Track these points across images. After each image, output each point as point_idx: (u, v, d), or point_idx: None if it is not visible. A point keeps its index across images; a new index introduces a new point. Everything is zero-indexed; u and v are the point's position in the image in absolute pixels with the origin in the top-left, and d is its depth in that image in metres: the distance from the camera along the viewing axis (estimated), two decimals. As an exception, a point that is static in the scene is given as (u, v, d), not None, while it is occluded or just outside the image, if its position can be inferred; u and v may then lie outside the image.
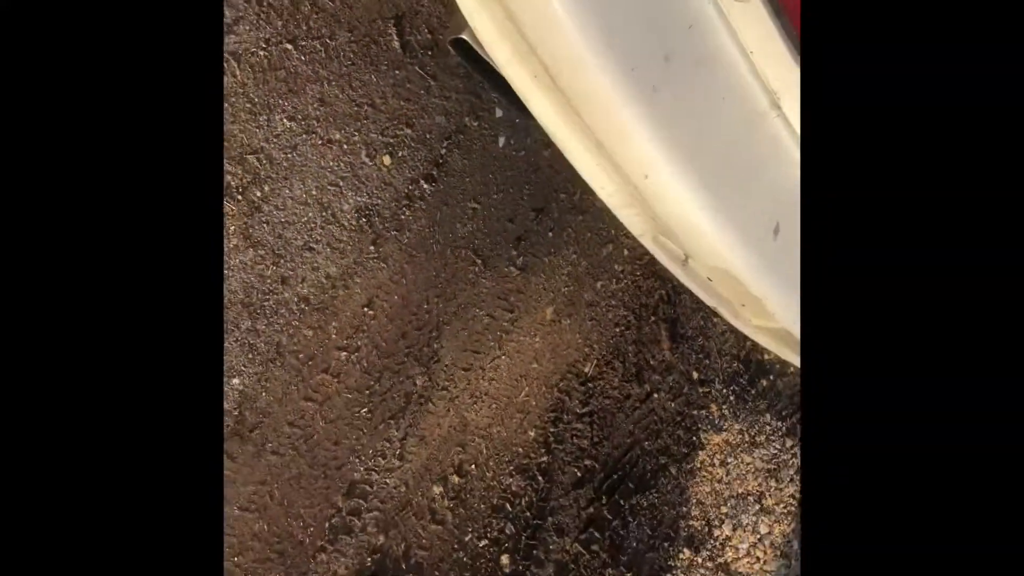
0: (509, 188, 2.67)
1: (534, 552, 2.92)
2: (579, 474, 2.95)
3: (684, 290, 2.74)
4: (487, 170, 2.65)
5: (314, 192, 2.56)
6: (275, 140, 2.50)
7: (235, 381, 2.64)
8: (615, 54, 1.28)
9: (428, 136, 2.61)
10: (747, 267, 1.63)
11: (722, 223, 1.51)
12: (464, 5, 1.45)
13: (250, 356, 2.58)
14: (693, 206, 1.49)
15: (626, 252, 2.76)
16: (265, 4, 2.43)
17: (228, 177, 2.44)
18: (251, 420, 2.57)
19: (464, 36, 1.67)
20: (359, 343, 2.69)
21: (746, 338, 2.71)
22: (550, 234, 2.70)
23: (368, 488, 2.75)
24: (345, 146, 2.56)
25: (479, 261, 2.70)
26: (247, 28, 2.39)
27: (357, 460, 2.74)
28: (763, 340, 2.00)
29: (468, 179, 2.65)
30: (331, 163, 2.56)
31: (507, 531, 2.86)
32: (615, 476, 2.97)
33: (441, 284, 2.70)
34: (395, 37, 2.51)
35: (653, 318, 2.82)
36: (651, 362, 2.87)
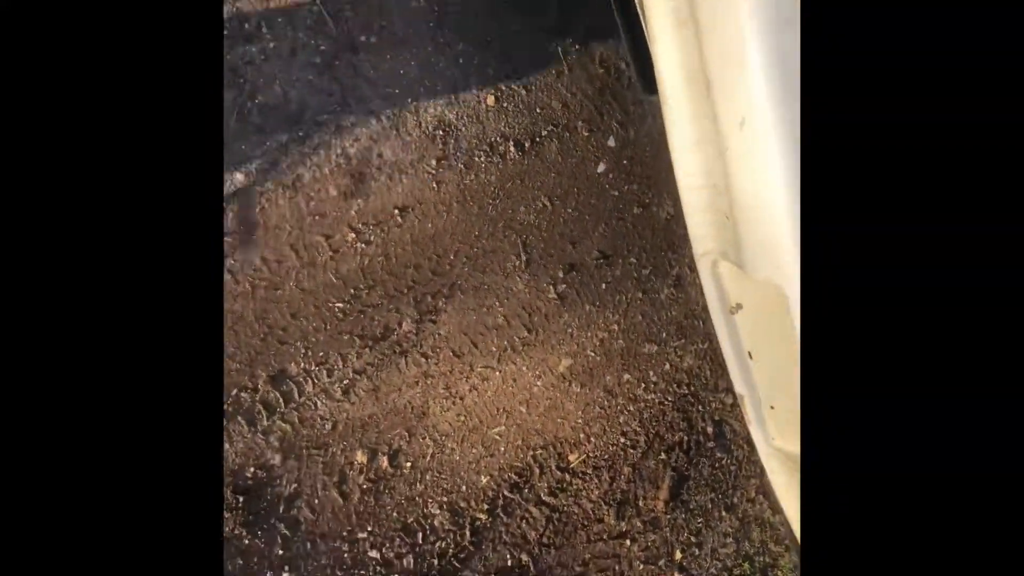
0: (587, 214, 2.36)
1: None
2: (509, 563, 2.24)
3: (707, 457, 2.42)
4: (574, 182, 2.36)
5: (412, 71, 2.28)
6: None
7: (239, 176, 2.13)
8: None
9: (538, 111, 2.36)
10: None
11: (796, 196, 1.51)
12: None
13: (266, 168, 2.14)
14: (776, 166, 1.48)
15: (668, 367, 2.37)
16: None
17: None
18: (230, 224, 2.13)
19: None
20: (372, 238, 2.19)
21: (742, 557, 2.46)
22: (603, 286, 2.33)
23: (296, 392, 2.14)
24: (461, 60, 2.32)
25: (523, 258, 2.29)
26: None
27: (303, 352, 2.15)
28: (774, 468, 1.86)
29: (553, 175, 2.35)
30: (441, 63, 2.31)
31: (405, 563, 2.12)
32: None
33: (477, 249, 2.27)
34: (555, 7, 2.42)
35: (663, 457, 2.34)
36: (639, 503, 2.40)
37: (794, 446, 1.63)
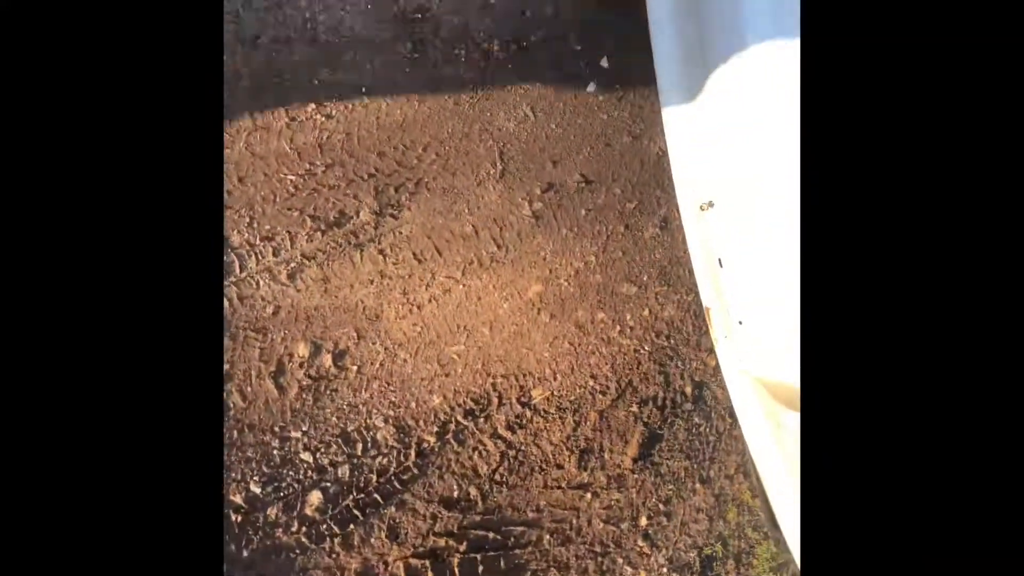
0: (571, 133, 2.18)
1: (350, 525, 1.87)
2: (456, 495, 2.02)
3: (683, 420, 2.18)
4: (560, 97, 2.19)
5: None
6: None
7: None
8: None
9: (528, 13, 2.20)
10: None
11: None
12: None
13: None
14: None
15: (646, 312, 2.20)
16: None
17: None
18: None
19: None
20: (334, 113, 2.02)
21: (715, 537, 2.30)
22: (583, 213, 2.15)
23: (237, 266, 1.95)
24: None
25: (499, 167, 2.11)
26: None
27: (247, 222, 1.96)
28: (742, 396, 1.68)
29: (539, 85, 2.20)
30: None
31: (340, 472, 1.92)
32: (491, 538, 2.10)
33: (449, 148, 2.10)
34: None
35: (635, 410, 2.16)
36: (605, 456, 2.20)
37: (762, 371, 1.49)
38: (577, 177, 2.19)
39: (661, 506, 2.21)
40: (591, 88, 2.24)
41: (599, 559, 2.16)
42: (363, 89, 2.07)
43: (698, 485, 2.25)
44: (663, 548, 2.21)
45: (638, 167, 2.24)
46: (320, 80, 2.03)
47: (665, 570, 2.23)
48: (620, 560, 2.18)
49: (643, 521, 2.20)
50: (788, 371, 1.42)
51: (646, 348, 2.22)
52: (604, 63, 2.25)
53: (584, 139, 2.22)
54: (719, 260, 1.52)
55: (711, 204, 1.53)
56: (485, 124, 2.12)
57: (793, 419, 1.42)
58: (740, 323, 1.51)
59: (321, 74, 2.03)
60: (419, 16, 2.11)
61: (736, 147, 1.49)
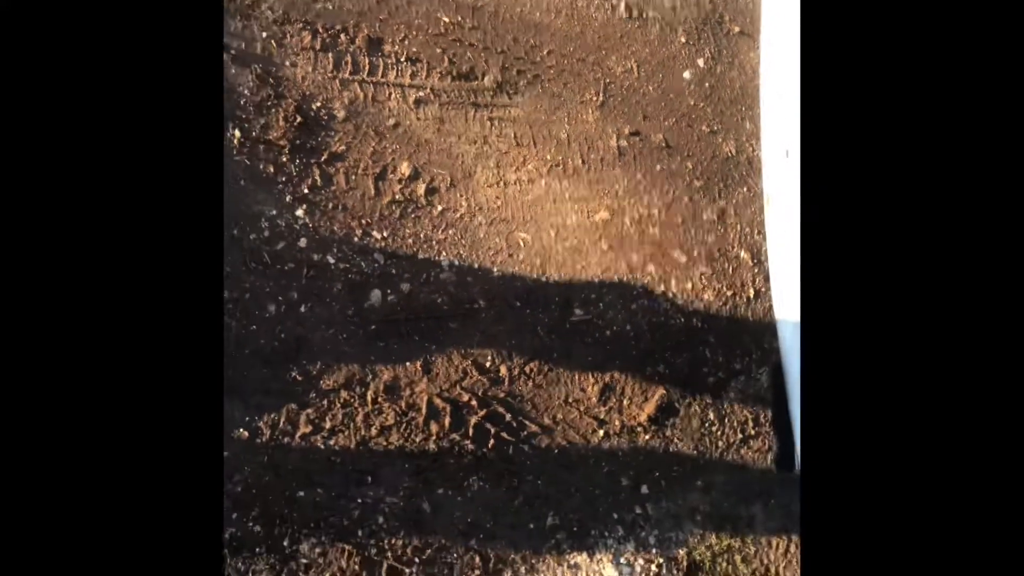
0: (663, 101, 2.43)
1: (393, 337, 2.01)
2: (488, 364, 2.08)
3: (700, 408, 2.26)
4: (661, 68, 2.45)
5: None
6: None
7: None
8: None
9: None
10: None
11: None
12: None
13: None
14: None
15: (689, 286, 2.35)
16: None
17: None
18: None
19: None
20: None
21: (706, 545, 2.33)
22: (658, 168, 2.37)
23: (380, 70, 2.12)
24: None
25: (600, 98, 2.35)
26: None
27: (400, 37, 2.16)
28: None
29: (647, 51, 2.45)
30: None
31: (401, 287, 2.02)
32: (508, 419, 2.07)
33: (566, 61, 2.34)
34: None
35: (661, 370, 2.27)
36: (624, 402, 2.30)
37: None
38: (660, 137, 2.43)
39: (662, 483, 2.28)
40: (687, 75, 2.54)
41: (595, 505, 2.21)
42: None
43: (699, 483, 2.33)
44: (655, 527, 2.27)
45: (709, 157, 2.48)
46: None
47: (655, 551, 2.27)
48: (615, 515, 2.23)
49: (644, 489, 2.27)
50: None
51: (681, 320, 2.39)
52: (700, 62, 2.59)
53: (672, 111, 2.47)
54: (787, 151, 1.75)
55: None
56: (599, 59, 2.35)
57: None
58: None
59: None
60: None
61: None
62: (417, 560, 1.97)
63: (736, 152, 2.47)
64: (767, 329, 2.40)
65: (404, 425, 2.00)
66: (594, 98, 2.33)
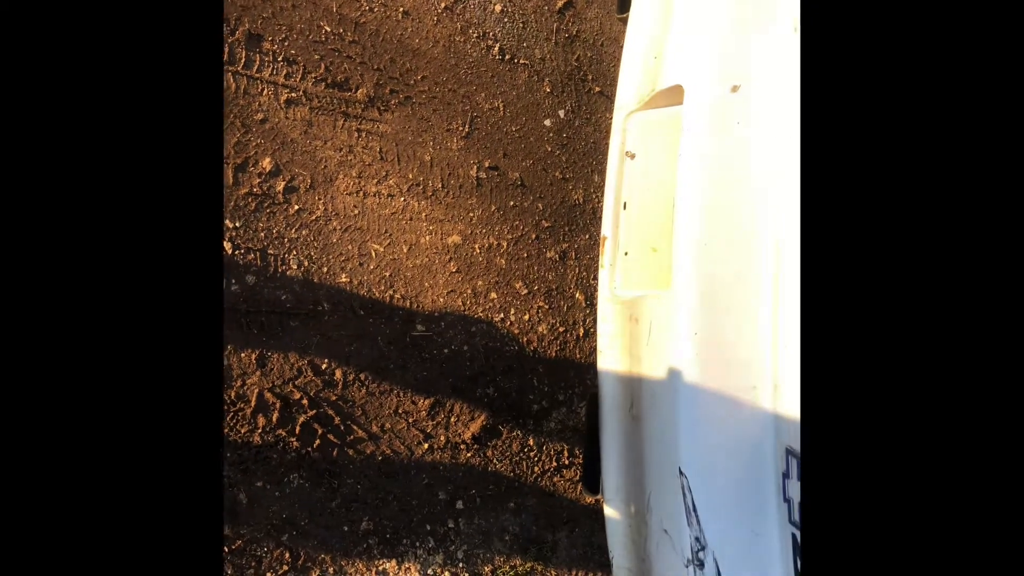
0: (523, 143, 2.58)
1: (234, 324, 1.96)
2: (324, 367, 2.10)
3: (521, 431, 2.42)
4: (526, 113, 2.59)
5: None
6: None
7: None
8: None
9: (525, 45, 2.63)
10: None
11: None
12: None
13: None
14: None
15: (526, 317, 2.48)
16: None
17: None
18: None
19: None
20: (376, 9, 2.37)
21: (511, 566, 2.50)
22: (511, 204, 2.49)
23: (257, 65, 2.11)
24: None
25: (467, 129, 2.46)
26: None
27: (282, 38, 2.15)
28: (606, 317, 1.86)
29: (515, 94, 2.59)
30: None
31: (245, 279, 2.00)
32: (336, 423, 2.13)
33: (439, 91, 2.43)
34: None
35: (489, 392, 2.37)
36: (451, 419, 2.29)
37: (631, 292, 1.82)
38: (517, 175, 2.58)
39: (477, 500, 2.39)
40: (547, 123, 2.71)
41: (410, 515, 2.28)
42: (401, 9, 2.40)
43: (513, 504, 2.45)
44: (464, 542, 2.37)
45: (559, 202, 2.66)
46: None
47: (461, 565, 2.36)
48: (428, 527, 2.31)
49: (459, 505, 2.37)
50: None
51: (515, 348, 2.53)
52: (561, 113, 2.79)
53: (530, 153, 2.63)
54: (624, 203, 1.91)
55: (633, 155, 1.96)
56: (468, 94, 2.47)
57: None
58: (626, 254, 1.87)
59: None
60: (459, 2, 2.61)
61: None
62: (226, 549, 1.97)
63: (583, 201, 2.66)
64: (591, 368, 2.58)
65: (231, 415, 2.00)
66: (460, 128, 2.45)
